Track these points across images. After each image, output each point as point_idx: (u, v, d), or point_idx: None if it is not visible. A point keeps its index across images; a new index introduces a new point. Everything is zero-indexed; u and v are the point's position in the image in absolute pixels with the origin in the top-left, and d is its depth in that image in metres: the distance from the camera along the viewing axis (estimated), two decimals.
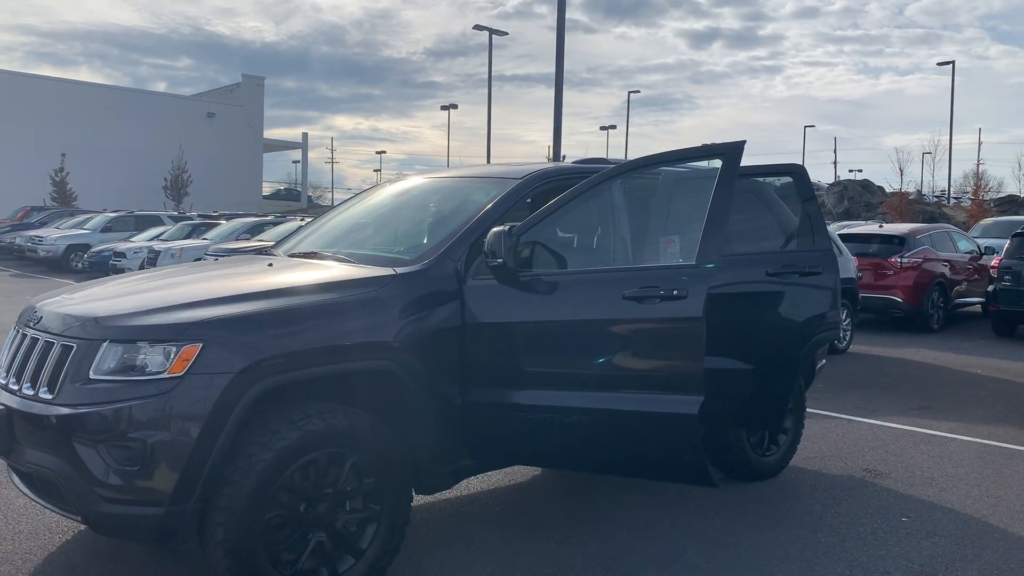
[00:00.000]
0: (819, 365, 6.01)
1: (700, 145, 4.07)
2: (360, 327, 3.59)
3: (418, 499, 4.70)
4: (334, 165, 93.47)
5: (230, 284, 3.86)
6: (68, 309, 3.60)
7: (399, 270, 3.88)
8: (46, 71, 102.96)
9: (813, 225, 4.61)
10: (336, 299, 3.59)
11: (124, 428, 3.16)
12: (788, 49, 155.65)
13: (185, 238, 21.20)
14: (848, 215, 38.36)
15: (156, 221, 26.48)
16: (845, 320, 11.28)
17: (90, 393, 3.23)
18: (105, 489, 3.20)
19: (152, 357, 3.23)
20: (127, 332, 3.30)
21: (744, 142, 3.80)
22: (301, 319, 3.46)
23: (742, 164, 4.58)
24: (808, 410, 7.33)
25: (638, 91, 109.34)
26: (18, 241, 26.67)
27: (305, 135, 65.07)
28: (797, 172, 4.69)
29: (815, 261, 4.57)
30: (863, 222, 24.83)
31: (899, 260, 13.15)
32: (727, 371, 4.48)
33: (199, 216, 27.72)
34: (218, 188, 49.20)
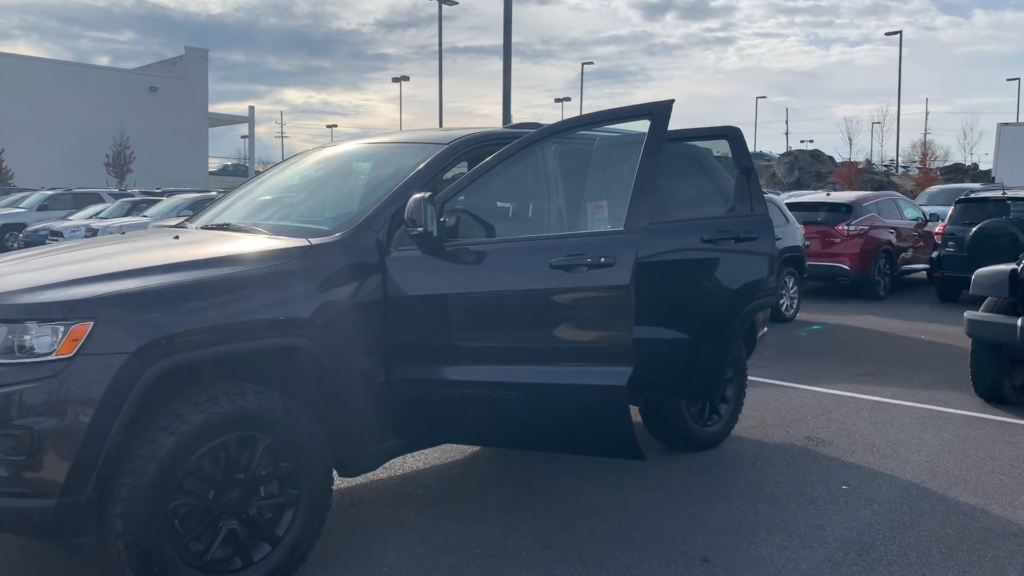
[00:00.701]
0: (761, 333, 5.94)
1: (627, 105, 3.89)
2: (268, 303, 3.36)
3: (348, 481, 4.54)
4: (284, 140, 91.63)
5: (130, 259, 3.60)
6: None
7: (314, 241, 3.66)
8: None
9: (750, 190, 4.47)
10: (241, 273, 3.36)
11: (8, 415, 2.92)
12: (740, 20, 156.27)
13: (125, 215, 20.57)
14: (798, 185, 38.77)
15: (96, 199, 25.69)
16: (792, 288, 11.29)
17: None
18: None
19: (40, 338, 2.98)
20: (13, 311, 3.05)
21: (672, 101, 3.63)
22: (202, 295, 3.23)
23: (678, 128, 4.46)
24: (752, 378, 7.29)
25: (591, 63, 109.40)
26: None
27: (251, 108, 63.70)
28: (732, 135, 4.54)
29: (751, 226, 4.43)
30: (812, 192, 25.02)
31: (846, 228, 13.19)
32: (661, 341, 4.34)
33: (140, 193, 26.97)
34: (163, 164, 47.96)
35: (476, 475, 4.94)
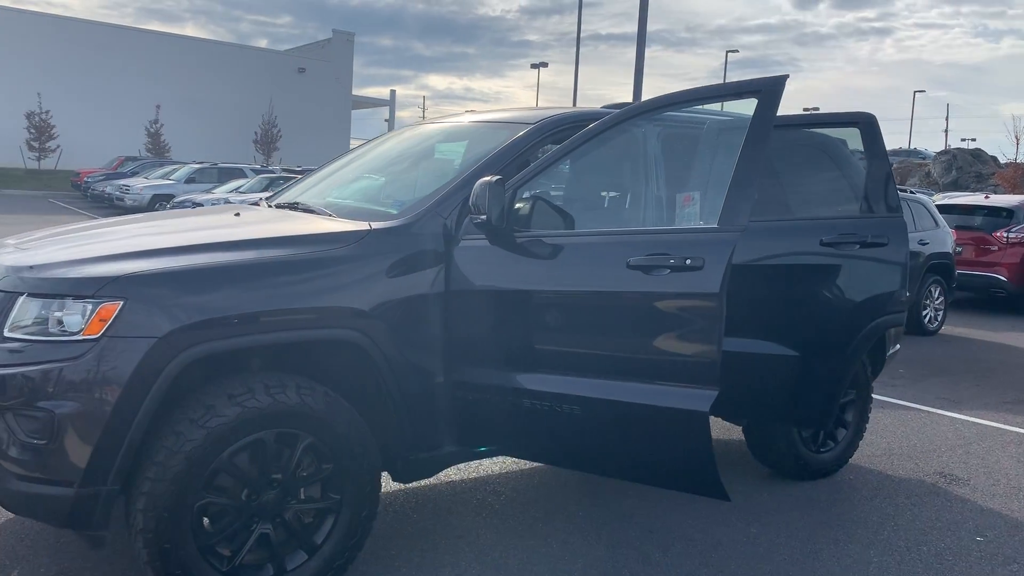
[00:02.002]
0: (892, 350, 5.23)
1: (731, 82, 3.36)
2: (315, 290, 3.07)
3: (414, 484, 4.24)
4: None
5: (177, 237, 3.38)
6: (2, 258, 3.20)
7: (375, 225, 3.35)
8: (155, 26, 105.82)
9: (884, 187, 3.85)
10: (289, 256, 3.08)
11: (31, 396, 2.75)
12: (900, 10, 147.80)
13: (263, 191, 21.24)
14: (956, 186, 36.08)
15: (239, 173, 26.72)
16: (938, 299, 10.28)
17: (1, 354, 2.82)
18: (13, 464, 2.81)
19: (69, 316, 2.80)
20: (46, 285, 2.88)
21: (786, 77, 3.09)
22: (244, 278, 2.97)
23: (803, 113, 3.91)
24: (880, 398, 6.58)
25: (736, 51, 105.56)
26: (108, 190, 27.33)
27: (393, 92, 64.98)
28: (865, 122, 3.93)
29: (881, 230, 3.82)
30: (969, 194, 23.11)
31: (1005, 235, 11.95)
32: (766, 356, 3.81)
33: (282, 170, 27.90)
34: (307, 143, 49.64)
35: (552, 487, 4.54)
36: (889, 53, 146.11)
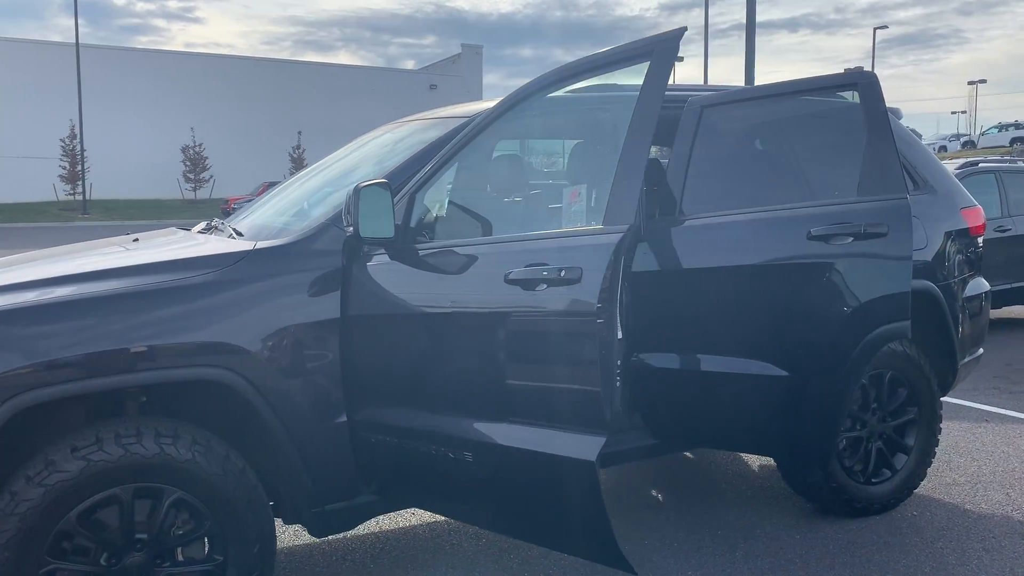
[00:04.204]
0: (969, 357, 4.34)
1: (620, 45, 2.72)
2: (177, 323, 2.69)
3: (377, 529, 3.79)
4: None
5: (44, 269, 3.08)
6: None
7: (260, 244, 2.94)
8: (311, 57, 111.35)
9: (883, 163, 3.06)
10: (147, 286, 2.71)
11: None
12: None
13: None
14: None
15: None
16: None
17: None
18: None
19: None
20: None
21: (683, 30, 2.45)
22: (92, 313, 2.62)
23: (794, 79, 3.25)
24: (988, 408, 5.61)
25: (886, 26, 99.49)
26: None
27: None
28: (865, 83, 3.15)
29: (879, 216, 3.03)
30: None
31: None
32: (751, 378, 3.13)
33: None
34: None
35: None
36: None
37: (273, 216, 3.45)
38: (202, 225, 3.73)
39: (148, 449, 2.63)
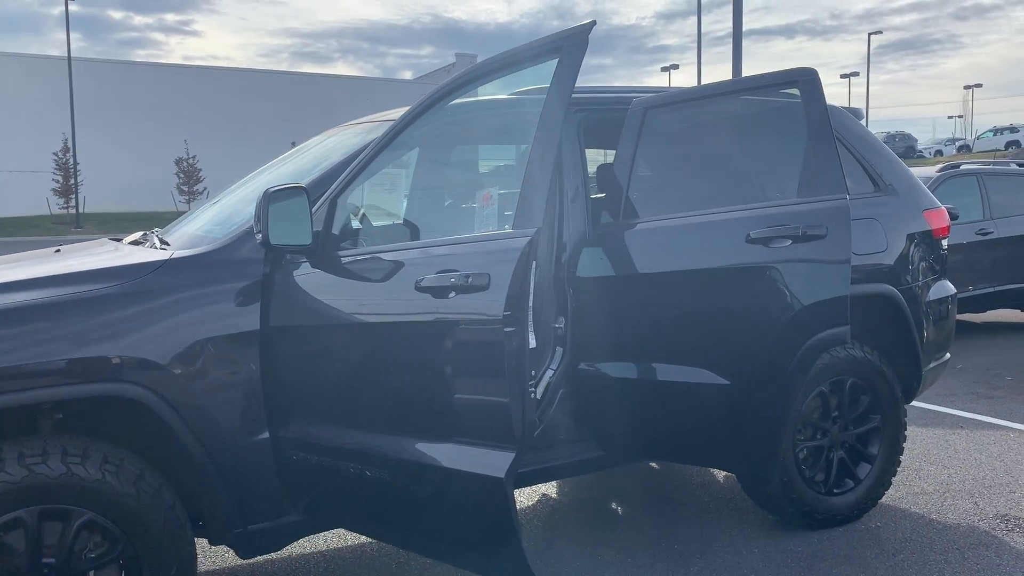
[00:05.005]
0: (934, 363, 4.23)
1: (531, 42, 2.60)
2: (82, 337, 2.57)
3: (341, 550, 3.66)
4: None
5: None
6: None
7: (177, 254, 2.83)
8: (308, 68, 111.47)
9: (822, 163, 2.95)
10: (51, 298, 2.60)
11: None
12: None
13: None
14: None
15: None
16: None
17: None
18: None
19: None
20: None
21: (592, 23, 2.35)
22: None
23: (741, 77, 3.14)
24: (963, 414, 5.50)
25: (880, 32, 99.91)
26: None
27: None
28: (805, 80, 3.04)
29: (818, 218, 2.92)
30: None
31: None
32: (692, 387, 3.02)
33: None
34: None
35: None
36: None
37: (202, 225, 3.34)
38: (136, 236, 3.62)
39: (54, 469, 2.52)
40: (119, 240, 3.60)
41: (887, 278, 3.90)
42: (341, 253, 2.72)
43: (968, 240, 8.33)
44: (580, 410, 3.28)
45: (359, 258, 2.68)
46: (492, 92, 3.05)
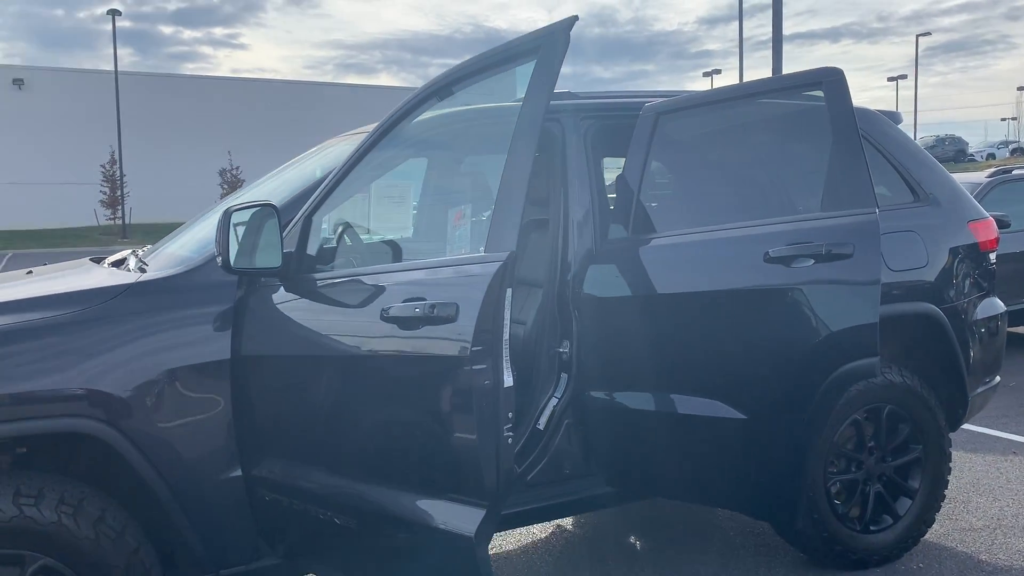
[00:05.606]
0: (982, 388, 3.88)
1: (504, 43, 2.36)
2: (32, 368, 2.39)
3: None
4: None
5: None
6: None
7: (144, 277, 2.64)
8: (352, 79, 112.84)
9: (848, 171, 2.64)
10: (6, 326, 2.42)
11: None
12: None
13: None
14: None
15: None
16: None
17: None
18: None
19: None
20: None
21: (573, 19, 2.09)
22: None
23: (757, 80, 2.91)
24: (1008, 436, 5.12)
25: (928, 33, 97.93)
26: None
27: None
28: (830, 81, 2.74)
29: (844, 234, 2.61)
30: None
31: None
32: (705, 421, 2.73)
33: None
34: None
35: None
36: None
37: (184, 244, 3.15)
38: (123, 254, 3.45)
39: (4, 512, 2.33)
40: (99, 260, 3.41)
41: (928, 296, 3.57)
42: (317, 276, 2.51)
43: (1021, 249, 7.87)
44: (586, 442, 3.02)
45: (332, 282, 2.47)
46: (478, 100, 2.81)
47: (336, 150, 3.43)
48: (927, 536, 3.69)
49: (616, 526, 4.12)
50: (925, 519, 3.61)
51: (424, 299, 2.12)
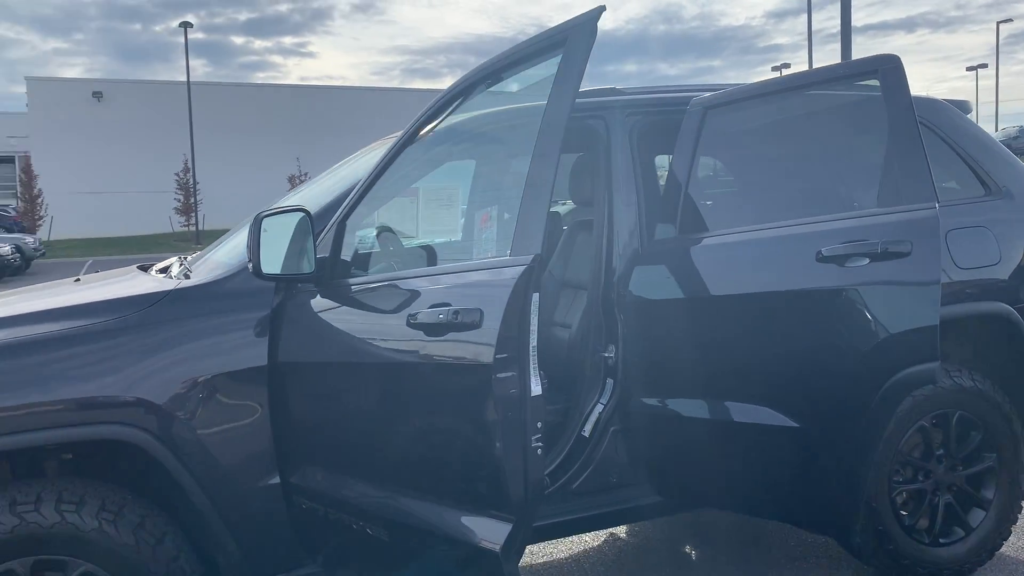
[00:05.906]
0: None
1: (534, 36, 2.25)
2: (69, 376, 2.40)
3: None
4: None
5: None
6: None
7: (183, 284, 2.64)
8: (418, 84, 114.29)
9: (906, 164, 2.48)
10: (40, 335, 2.44)
11: None
12: None
13: None
14: None
15: None
16: None
17: None
18: None
19: None
20: None
21: (601, 9, 1.99)
22: None
23: (804, 71, 2.77)
24: None
25: (1010, 20, 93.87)
26: None
27: None
28: (887, 69, 2.58)
29: (901, 231, 2.45)
30: None
31: None
32: (754, 428, 2.60)
33: None
34: None
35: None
36: None
37: (225, 251, 3.15)
38: (170, 260, 3.48)
39: (47, 518, 2.36)
40: (147, 268, 3.44)
41: (1001, 295, 3.36)
42: (352, 281, 2.47)
43: None
44: (633, 450, 2.92)
45: (363, 287, 2.42)
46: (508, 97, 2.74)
47: (379, 153, 3.40)
48: (1002, 549, 3.48)
49: (672, 532, 4.00)
50: (1000, 531, 3.40)
51: (449, 305, 2.07)
